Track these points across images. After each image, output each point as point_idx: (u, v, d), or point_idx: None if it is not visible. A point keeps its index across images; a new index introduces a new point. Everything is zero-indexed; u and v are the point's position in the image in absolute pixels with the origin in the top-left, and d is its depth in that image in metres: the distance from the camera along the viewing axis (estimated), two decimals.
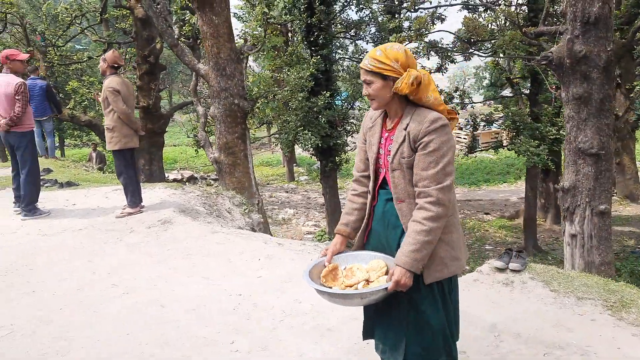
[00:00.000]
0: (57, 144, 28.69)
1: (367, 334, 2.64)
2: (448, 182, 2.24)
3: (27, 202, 6.32)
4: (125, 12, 18.27)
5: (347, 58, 16.89)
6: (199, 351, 3.43)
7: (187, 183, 21.00)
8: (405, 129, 2.33)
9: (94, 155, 16.78)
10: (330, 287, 2.43)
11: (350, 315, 3.76)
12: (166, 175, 19.76)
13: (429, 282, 2.34)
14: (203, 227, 5.83)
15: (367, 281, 2.43)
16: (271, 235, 10.01)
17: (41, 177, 8.47)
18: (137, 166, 17.01)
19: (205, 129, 10.18)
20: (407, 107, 2.36)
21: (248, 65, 12.95)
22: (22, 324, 3.87)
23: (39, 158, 10.92)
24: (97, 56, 21.77)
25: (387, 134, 2.44)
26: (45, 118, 10.50)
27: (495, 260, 4.39)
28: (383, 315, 2.48)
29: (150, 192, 7.33)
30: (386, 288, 2.27)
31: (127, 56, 20.97)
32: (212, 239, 5.48)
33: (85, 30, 21.73)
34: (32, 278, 4.68)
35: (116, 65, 6.04)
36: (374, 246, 2.55)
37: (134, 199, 6.29)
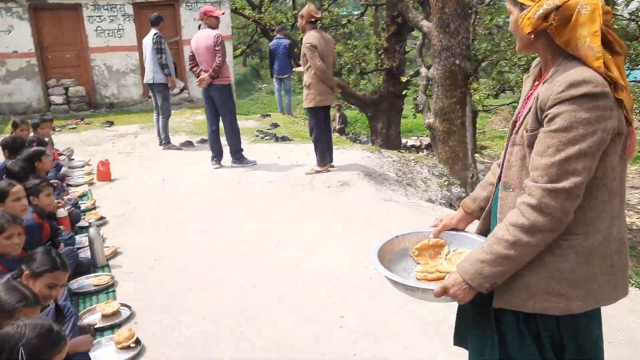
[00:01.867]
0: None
1: (458, 341, 1.99)
2: (567, 184, 1.45)
3: (234, 150, 6.90)
4: None
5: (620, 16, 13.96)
6: (296, 331, 3.22)
7: (424, 150, 20.74)
8: None
9: (337, 115, 17.72)
10: (418, 264, 1.92)
11: None
12: (404, 140, 19.79)
13: (497, 306, 1.65)
14: (377, 194, 5.52)
15: None
16: None
17: (268, 130, 9.23)
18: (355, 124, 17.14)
19: (427, 92, 9.67)
20: (562, 56, 1.54)
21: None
22: (173, 260, 4.22)
23: (276, 114, 11.98)
24: (355, 18, 22.71)
25: (532, 91, 1.69)
26: (285, 76, 11.35)
27: None
28: (478, 328, 1.80)
29: (346, 153, 7.30)
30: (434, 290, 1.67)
31: (381, 20, 21.34)
32: (380, 207, 5.14)
33: None
34: (209, 221, 5.06)
35: (313, 19, 6.00)
36: None
37: (322, 157, 6.31)
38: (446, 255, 1.92)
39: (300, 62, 6.23)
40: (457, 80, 8.49)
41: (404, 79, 12.23)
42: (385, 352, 2.92)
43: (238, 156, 6.92)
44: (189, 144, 8.27)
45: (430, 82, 9.22)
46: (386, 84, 17.34)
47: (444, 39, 8.33)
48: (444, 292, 1.62)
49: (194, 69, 6.61)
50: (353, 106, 19.87)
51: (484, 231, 1.88)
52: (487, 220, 1.86)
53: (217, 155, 6.90)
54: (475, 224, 1.96)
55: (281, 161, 7.15)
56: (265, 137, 8.61)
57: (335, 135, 10.07)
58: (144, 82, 8.08)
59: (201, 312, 3.42)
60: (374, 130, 17.70)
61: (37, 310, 2.32)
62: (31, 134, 6.42)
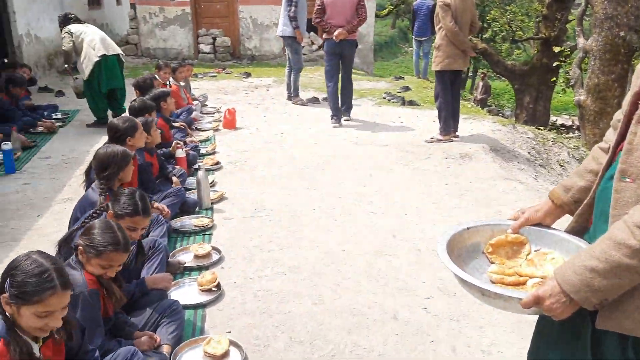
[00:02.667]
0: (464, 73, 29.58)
1: (533, 355, 1.65)
2: None
3: (349, 105, 6.97)
4: None
5: None
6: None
7: (576, 131, 18.78)
8: None
9: (480, 84, 16.66)
10: (493, 264, 1.62)
11: None
12: (554, 118, 18.01)
13: (603, 327, 1.29)
14: (500, 171, 5.01)
15: None
16: None
17: (397, 93, 8.89)
18: (491, 93, 15.86)
19: (582, 65, 8.56)
20: None
21: None
22: (272, 213, 4.22)
23: (411, 77, 11.51)
24: None
25: None
26: (425, 38, 10.80)
27: None
28: (564, 348, 1.48)
29: (475, 124, 6.75)
30: (521, 299, 1.35)
31: None
32: (500, 186, 4.66)
33: None
34: (316, 178, 4.98)
35: None
36: (594, 237, 1.47)
37: (446, 125, 5.88)
38: (527, 255, 1.59)
39: (434, 21, 5.81)
40: (618, 54, 7.38)
41: (557, 49, 10.98)
42: (465, 345, 2.63)
43: (350, 109, 6.98)
44: (315, 100, 8.25)
45: (586, 55, 8.15)
46: (540, 55, 15.83)
47: (609, 6, 7.24)
48: (535, 303, 1.29)
49: (322, 23, 6.52)
50: (502, 77, 18.52)
51: (579, 229, 1.51)
52: (584, 217, 1.48)
53: (337, 114, 6.79)
54: (565, 220, 1.59)
55: (403, 126, 6.83)
56: (392, 100, 8.29)
57: (470, 105, 9.43)
58: (276, 34, 8.14)
59: (284, 268, 3.37)
60: (520, 104, 16.37)
61: (124, 256, 2.37)
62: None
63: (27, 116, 6.52)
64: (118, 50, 6.63)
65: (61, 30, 6.53)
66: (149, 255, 3.09)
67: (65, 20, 6.55)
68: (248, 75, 10.71)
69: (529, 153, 6.07)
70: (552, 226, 1.61)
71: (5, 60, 7.41)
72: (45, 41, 10.23)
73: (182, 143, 5.10)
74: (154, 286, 2.82)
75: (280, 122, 7.05)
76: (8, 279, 1.75)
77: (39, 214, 4.24)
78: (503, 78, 18.54)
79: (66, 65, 6.92)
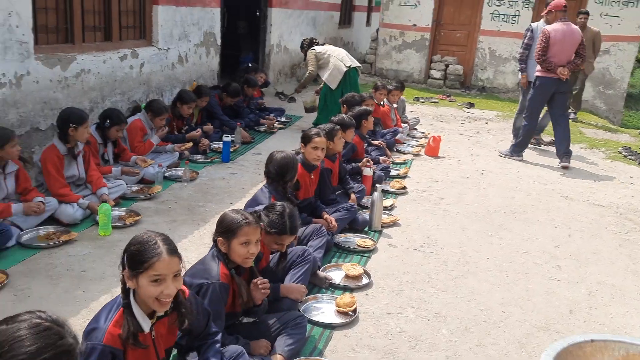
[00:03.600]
0: None
1: None
2: None
3: (569, 150, 6.43)
4: None
5: None
6: None
7: None
8: None
9: None
10: None
11: None
12: None
13: None
14: None
15: None
16: None
17: (638, 150, 7.61)
18: None
19: None
20: None
21: None
22: (440, 251, 3.92)
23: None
24: None
25: None
26: None
27: None
28: None
29: None
30: None
31: None
32: None
33: None
34: (501, 225, 4.51)
35: None
36: None
37: None
38: None
39: None
40: None
41: None
42: None
43: (569, 155, 6.43)
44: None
45: None
46: None
47: None
48: None
49: (546, 61, 6.18)
50: None
51: None
52: None
53: (523, 150, 6.72)
54: None
55: (631, 189, 5.77)
56: (629, 157, 7.09)
57: None
58: None
59: (429, 313, 3.09)
60: None
61: (258, 231, 2.43)
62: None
63: (254, 114, 7.29)
64: (358, 63, 7.12)
65: (305, 52, 7.21)
66: (296, 263, 3.13)
67: (311, 44, 7.24)
68: (471, 105, 10.32)
69: None
70: None
71: (250, 65, 8.38)
72: (292, 52, 11.35)
73: (371, 162, 5.11)
74: (287, 294, 2.84)
75: (487, 159, 6.59)
76: (124, 255, 1.94)
77: (232, 202, 4.66)
78: None
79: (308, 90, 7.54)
